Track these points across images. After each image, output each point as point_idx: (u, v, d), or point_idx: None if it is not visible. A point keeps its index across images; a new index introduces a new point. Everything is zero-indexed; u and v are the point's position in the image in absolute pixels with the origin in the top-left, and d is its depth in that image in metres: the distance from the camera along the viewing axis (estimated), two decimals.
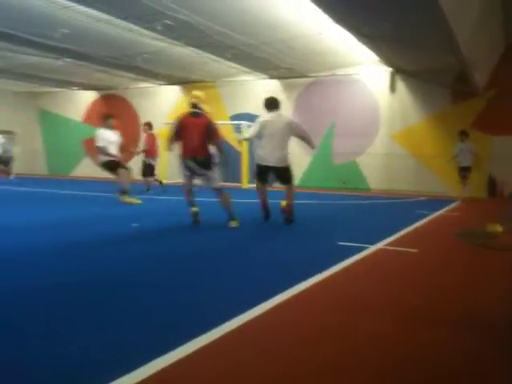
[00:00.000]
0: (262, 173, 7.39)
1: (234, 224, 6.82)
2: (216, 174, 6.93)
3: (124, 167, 10.17)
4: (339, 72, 15.84)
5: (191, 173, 6.81)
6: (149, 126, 13.49)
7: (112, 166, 9.98)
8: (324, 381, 2.23)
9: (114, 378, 2.11)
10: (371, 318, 3.11)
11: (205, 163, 6.71)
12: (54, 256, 4.75)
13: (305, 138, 7.73)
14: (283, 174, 7.40)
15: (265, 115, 7.43)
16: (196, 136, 6.62)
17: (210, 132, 6.69)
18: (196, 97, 6.89)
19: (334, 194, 13.92)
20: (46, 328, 2.78)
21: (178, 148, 6.92)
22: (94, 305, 3.22)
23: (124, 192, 9.90)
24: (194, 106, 6.85)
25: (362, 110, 16.05)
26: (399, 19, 9.32)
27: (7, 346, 2.52)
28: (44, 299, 3.33)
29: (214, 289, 3.69)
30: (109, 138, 9.97)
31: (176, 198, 10.20)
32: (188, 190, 6.99)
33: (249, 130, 7.66)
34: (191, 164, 6.71)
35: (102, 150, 9.83)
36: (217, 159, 7.08)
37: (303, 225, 7.51)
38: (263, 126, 7.24)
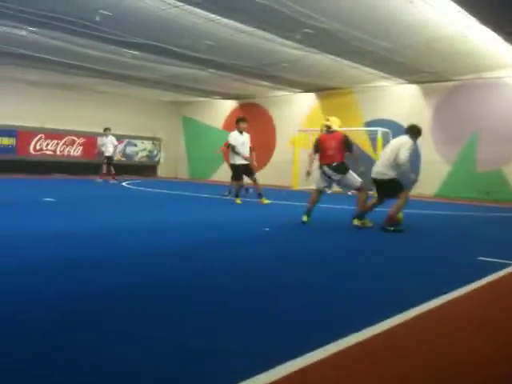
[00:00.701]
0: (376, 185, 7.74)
1: (356, 222, 7.51)
2: (353, 176, 7.74)
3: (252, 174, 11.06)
4: (486, 75, 14.83)
5: (328, 178, 7.75)
6: None
7: (239, 171, 10.98)
8: None
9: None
10: (503, 338, 2.89)
11: (339, 168, 7.64)
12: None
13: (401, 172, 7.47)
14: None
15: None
16: (332, 147, 7.67)
17: (345, 143, 7.70)
18: (330, 121, 7.94)
19: (476, 205, 13.05)
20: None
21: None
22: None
23: (260, 195, 10.87)
24: (328, 127, 7.91)
25: (511, 115, 14.86)
26: None
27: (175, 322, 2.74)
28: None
29: (349, 292, 3.69)
30: (239, 140, 11.02)
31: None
32: (315, 198, 7.84)
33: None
34: (326, 169, 7.68)
35: (233, 149, 10.91)
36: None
37: (441, 237, 7.19)
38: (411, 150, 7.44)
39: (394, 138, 15.19)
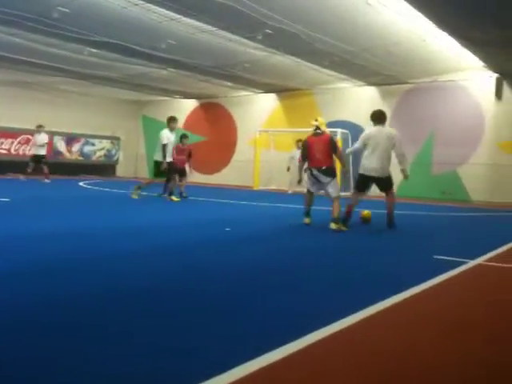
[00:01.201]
0: (364, 182, 7.88)
1: (333, 226, 7.46)
2: (337, 184, 7.94)
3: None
4: (441, 78, 15.28)
5: (316, 180, 7.78)
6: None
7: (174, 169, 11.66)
8: None
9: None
10: (460, 339, 2.99)
11: (328, 172, 7.72)
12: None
13: (399, 156, 7.87)
14: (385, 182, 7.84)
15: (370, 128, 7.96)
16: (320, 150, 7.72)
17: (331, 146, 7.80)
18: (318, 122, 7.99)
19: (432, 205, 13.42)
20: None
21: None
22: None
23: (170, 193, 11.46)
24: (317, 128, 7.93)
25: (465, 118, 15.34)
26: (508, 22, 8.87)
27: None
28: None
29: (312, 292, 3.73)
30: (171, 139, 11.49)
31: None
32: (308, 199, 8.01)
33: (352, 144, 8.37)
34: (316, 172, 7.73)
35: (164, 148, 11.37)
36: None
37: (398, 236, 7.36)
38: (367, 138, 7.75)
39: (353, 139, 15.49)
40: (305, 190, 8.28)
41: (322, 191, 7.99)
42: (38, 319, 2.93)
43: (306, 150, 7.87)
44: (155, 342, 2.64)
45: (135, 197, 11.37)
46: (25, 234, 5.97)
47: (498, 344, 2.90)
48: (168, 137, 11.45)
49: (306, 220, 7.92)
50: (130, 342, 2.64)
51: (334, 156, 7.79)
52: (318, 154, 7.68)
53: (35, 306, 3.19)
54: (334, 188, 7.75)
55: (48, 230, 6.38)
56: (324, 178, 7.70)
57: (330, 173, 7.73)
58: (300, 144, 14.58)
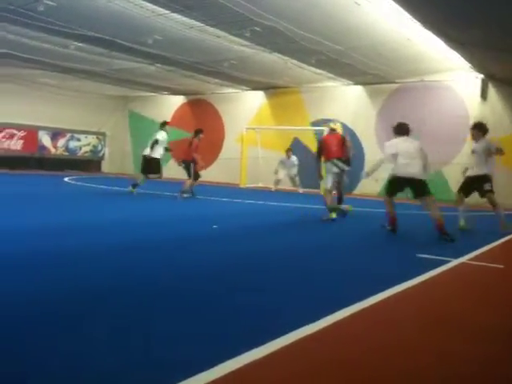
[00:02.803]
0: (399, 184, 7.77)
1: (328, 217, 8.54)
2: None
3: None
4: (428, 78, 15.38)
5: (339, 170, 8.89)
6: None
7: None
8: None
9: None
10: (442, 334, 3.01)
11: (345, 161, 9.06)
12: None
13: (425, 166, 7.78)
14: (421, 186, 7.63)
15: (395, 140, 7.92)
16: (334, 144, 9.06)
17: (344, 142, 9.18)
18: (336, 126, 9.73)
19: (417, 204, 13.47)
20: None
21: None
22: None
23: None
24: (333, 129, 9.47)
25: (450, 118, 15.45)
26: (492, 23, 8.93)
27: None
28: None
29: (288, 293, 3.73)
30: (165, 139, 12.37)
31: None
32: (328, 198, 8.84)
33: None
34: (337, 162, 8.85)
35: (157, 143, 12.14)
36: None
37: (382, 234, 7.39)
38: (395, 146, 7.73)
39: None
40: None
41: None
42: None
43: (323, 146, 9.09)
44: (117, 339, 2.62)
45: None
46: None
47: (482, 341, 2.92)
48: (163, 135, 12.40)
49: (333, 215, 8.65)
50: (101, 339, 2.61)
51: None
52: (334, 148, 9.00)
53: None
54: (344, 178, 9.22)
55: (18, 226, 6.29)
56: (345, 167, 8.98)
57: (348, 162, 9.14)
58: (290, 153, 15.51)
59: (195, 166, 11.84)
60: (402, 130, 8.04)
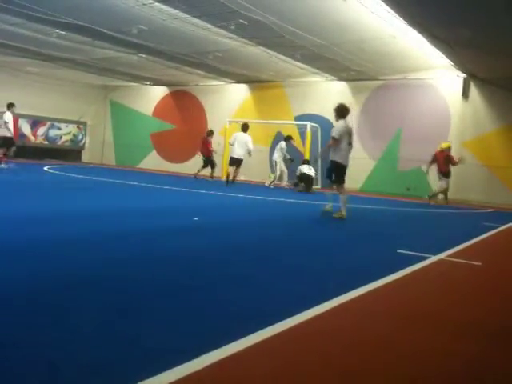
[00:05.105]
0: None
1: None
2: None
3: None
4: (411, 76, 15.50)
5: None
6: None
7: None
8: None
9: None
10: (423, 329, 3.05)
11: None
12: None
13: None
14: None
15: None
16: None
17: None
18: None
19: (397, 201, 13.64)
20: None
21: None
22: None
23: None
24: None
25: (432, 116, 15.63)
26: (477, 23, 9.03)
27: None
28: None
29: (269, 288, 3.74)
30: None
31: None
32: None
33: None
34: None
35: None
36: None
37: (363, 230, 7.45)
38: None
39: (322, 132, 15.68)
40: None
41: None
42: None
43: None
44: (105, 331, 2.60)
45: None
46: None
47: (460, 338, 2.96)
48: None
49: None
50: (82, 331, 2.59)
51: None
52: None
53: None
54: None
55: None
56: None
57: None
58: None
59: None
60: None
